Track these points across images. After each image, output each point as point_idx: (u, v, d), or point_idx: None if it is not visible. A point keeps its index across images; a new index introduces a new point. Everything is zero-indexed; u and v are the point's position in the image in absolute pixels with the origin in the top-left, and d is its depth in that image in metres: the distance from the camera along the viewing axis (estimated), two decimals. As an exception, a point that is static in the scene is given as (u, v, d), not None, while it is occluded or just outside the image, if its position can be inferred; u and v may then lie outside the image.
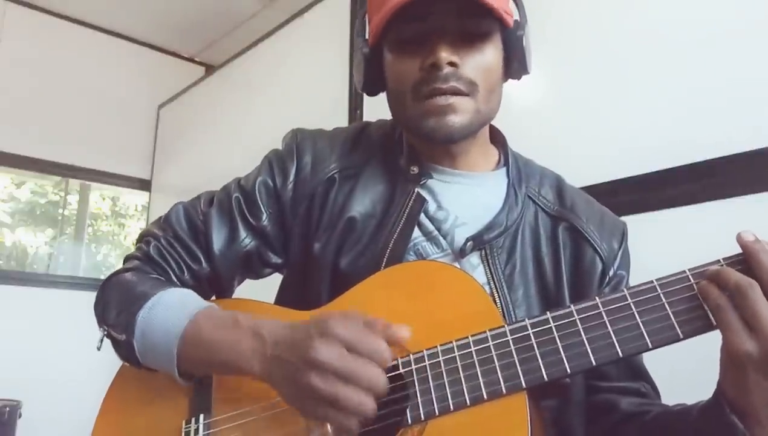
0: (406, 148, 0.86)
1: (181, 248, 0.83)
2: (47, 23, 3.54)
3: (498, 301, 0.75)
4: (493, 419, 0.61)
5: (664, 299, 0.59)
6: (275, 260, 0.86)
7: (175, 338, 0.70)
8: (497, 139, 0.90)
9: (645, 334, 0.59)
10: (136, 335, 0.72)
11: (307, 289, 0.82)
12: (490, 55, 0.76)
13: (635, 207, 1.40)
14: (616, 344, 0.59)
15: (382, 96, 0.86)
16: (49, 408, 2.83)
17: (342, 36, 2.36)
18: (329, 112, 2.40)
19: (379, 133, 0.90)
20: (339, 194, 0.84)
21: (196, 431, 0.73)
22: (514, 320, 0.73)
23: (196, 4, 3.50)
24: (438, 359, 0.65)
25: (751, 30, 1.32)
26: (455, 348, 0.65)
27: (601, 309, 0.61)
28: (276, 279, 0.92)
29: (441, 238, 0.80)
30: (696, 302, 0.58)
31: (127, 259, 0.86)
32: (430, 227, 0.80)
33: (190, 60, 4.16)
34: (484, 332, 0.64)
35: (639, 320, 0.59)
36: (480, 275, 0.77)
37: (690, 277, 0.60)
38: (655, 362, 0.79)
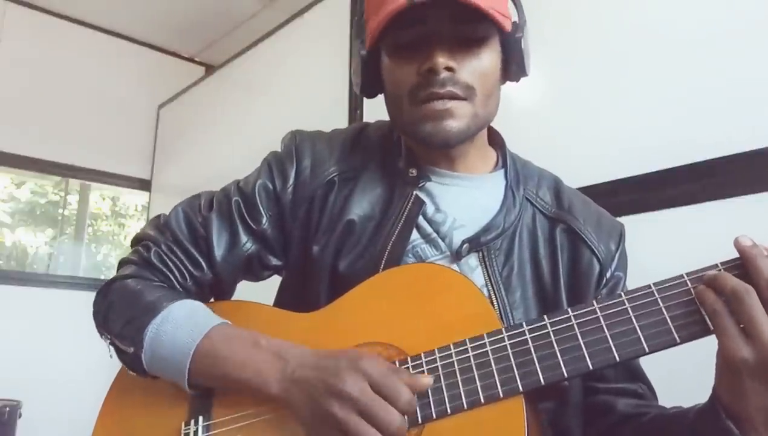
0: (404, 151, 0.85)
1: (182, 254, 0.82)
2: (47, 23, 3.54)
3: (496, 303, 0.75)
4: (490, 423, 0.61)
5: (661, 304, 0.59)
6: (275, 262, 0.86)
7: (187, 355, 0.70)
8: (495, 141, 0.90)
9: (642, 338, 0.59)
10: (145, 348, 0.72)
11: (305, 291, 0.82)
12: (487, 59, 0.76)
13: (635, 207, 1.40)
14: (613, 349, 0.59)
15: (382, 97, 0.86)
16: (49, 408, 2.83)
17: (342, 36, 2.36)
18: (329, 113, 2.40)
19: (378, 135, 0.90)
20: (338, 197, 0.83)
21: (196, 433, 0.72)
22: (511, 321, 0.73)
23: (196, 4, 3.50)
24: (436, 363, 0.65)
25: (751, 30, 1.31)
26: (453, 352, 0.65)
27: (599, 314, 0.61)
28: (275, 280, 0.92)
29: (439, 240, 0.80)
30: (693, 306, 0.59)
31: (124, 263, 0.84)
32: (429, 229, 0.80)
33: (190, 60, 4.16)
34: (482, 336, 0.64)
35: (636, 324, 0.59)
36: (478, 276, 0.77)
37: (687, 281, 0.60)
38: (652, 364, 0.79)
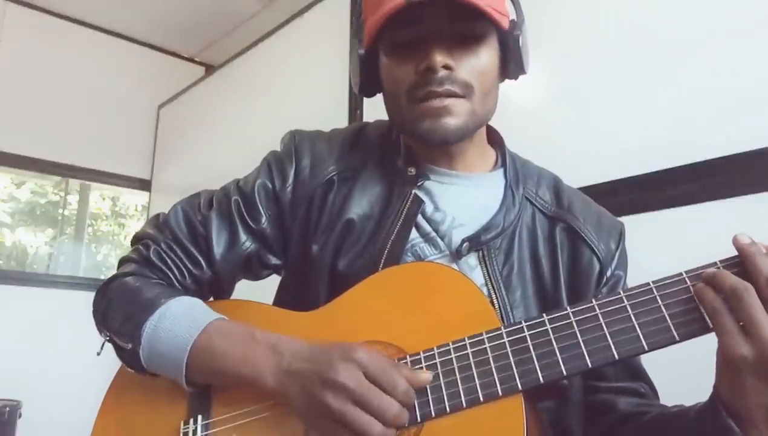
0: (403, 150, 0.86)
1: (182, 252, 0.82)
2: (47, 23, 3.54)
3: (496, 302, 0.75)
4: (489, 421, 0.61)
5: (660, 302, 0.59)
6: (275, 261, 0.86)
7: (184, 351, 0.70)
8: (495, 140, 0.90)
9: (641, 336, 0.59)
10: (143, 344, 0.72)
11: (305, 290, 0.82)
12: (485, 57, 0.76)
13: (635, 207, 1.40)
14: (612, 347, 0.59)
15: (382, 97, 0.86)
16: (49, 408, 2.83)
17: (342, 36, 2.36)
18: (329, 113, 2.40)
19: (377, 134, 0.90)
20: (337, 196, 0.84)
21: (195, 431, 0.73)
22: (511, 321, 0.73)
23: (196, 4, 3.50)
24: (434, 361, 0.65)
25: (751, 30, 1.31)
26: (452, 350, 0.65)
27: (598, 311, 0.61)
28: (274, 280, 0.92)
29: (438, 239, 0.80)
30: (692, 304, 0.58)
31: (123, 261, 0.85)
32: (428, 228, 0.80)
33: (190, 60, 4.16)
34: (481, 333, 0.64)
35: (635, 322, 0.59)
36: (478, 276, 0.77)
37: (686, 279, 0.60)
38: (653, 363, 0.79)
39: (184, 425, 0.74)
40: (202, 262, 0.82)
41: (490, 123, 0.88)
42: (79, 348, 1.99)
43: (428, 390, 0.63)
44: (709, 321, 0.57)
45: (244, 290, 0.91)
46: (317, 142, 0.88)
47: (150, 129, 3.88)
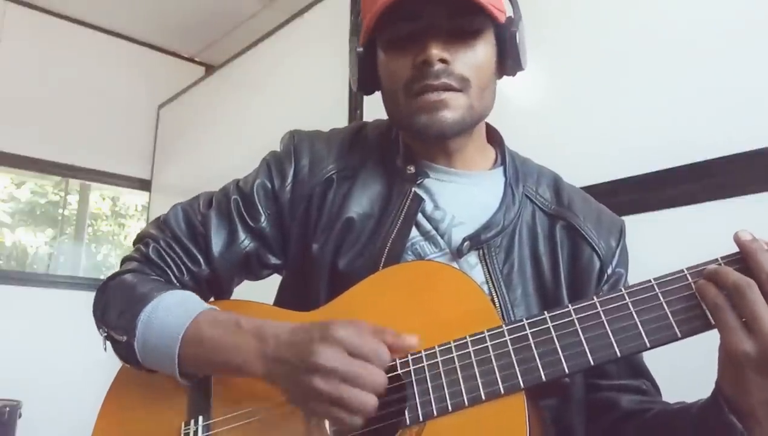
0: (402, 148, 0.86)
1: (180, 250, 0.83)
2: (47, 23, 3.54)
3: (497, 300, 0.75)
4: (491, 420, 0.61)
5: (662, 299, 0.59)
6: (274, 261, 0.87)
7: (176, 340, 0.70)
8: (494, 138, 0.90)
9: (643, 333, 0.59)
10: (137, 336, 0.73)
11: (305, 289, 0.82)
12: (482, 52, 0.76)
13: (635, 207, 1.40)
14: (614, 344, 0.59)
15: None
16: (49, 408, 2.83)
17: (342, 36, 2.35)
18: (329, 112, 2.40)
19: (376, 133, 0.90)
20: (337, 195, 0.84)
21: (196, 432, 0.73)
22: (513, 319, 0.73)
23: (196, 4, 3.50)
24: (436, 360, 0.65)
25: (751, 30, 1.31)
26: (453, 348, 0.65)
27: (599, 309, 0.61)
28: (275, 280, 0.92)
29: (439, 237, 0.80)
30: (694, 301, 0.58)
31: (125, 260, 0.86)
32: (428, 226, 0.80)
33: (190, 60, 4.16)
34: (482, 332, 0.64)
35: (637, 319, 0.59)
36: (478, 274, 0.77)
37: (688, 276, 0.60)
38: (655, 360, 0.79)
39: (185, 426, 0.74)
40: (201, 259, 0.83)
41: (492, 122, 0.88)
42: (79, 348, 2.00)
43: (430, 389, 0.63)
44: (710, 318, 0.57)
45: (245, 290, 0.91)
46: (316, 141, 0.89)
47: (150, 129, 3.88)
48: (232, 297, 0.89)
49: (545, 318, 0.63)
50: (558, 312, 0.63)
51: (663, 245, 1.29)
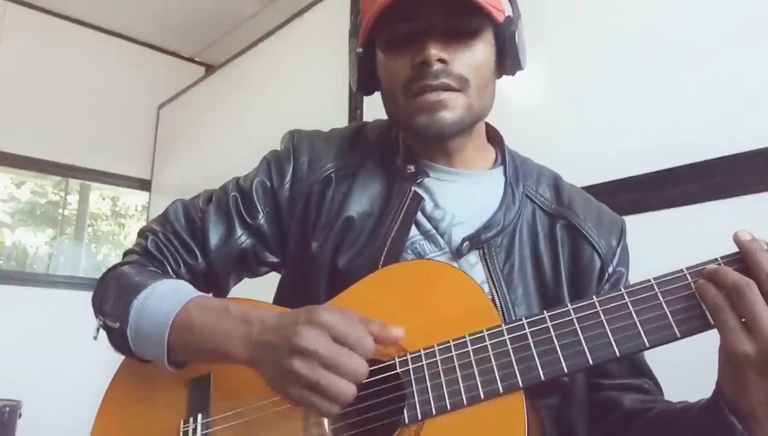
0: (402, 147, 0.86)
1: (179, 243, 0.84)
2: (47, 23, 3.54)
3: (497, 300, 0.75)
4: (490, 419, 0.61)
5: (661, 298, 0.59)
6: (271, 258, 0.87)
7: (166, 326, 0.71)
8: (494, 138, 0.90)
9: (642, 333, 0.59)
10: (130, 323, 0.73)
11: (305, 288, 0.82)
12: (480, 52, 0.76)
13: (635, 207, 1.40)
14: (614, 343, 0.59)
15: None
16: (49, 408, 2.83)
17: (342, 36, 2.34)
18: (329, 112, 2.40)
19: (376, 133, 0.90)
20: (336, 193, 0.84)
21: (194, 430, 0.73)
22: (513, 318, 0.73)
23: (196, 4, 3.50)
24: (435, 359, 0.65)
25: (751, 30, 1.31)
26: (452, 347, 0.65)
27: (598, 308, 0.61)
28: (274, 278, 0.92)
29: (438, 236, 0.80)
30: (693, 301, 0.58)
31: (126, 253, 0.87)
32: (428, 225, 0.81)
33: (190, 60, 4.16)
34: (482, 331, 0.64)
35: (636, 319, 0.59)
36: (478, 273, 0.77)
37: (687, 275, 0.59)
38: (655, 359, 0.79)
39: (184, 423, 0.74)
40: (198, 253, 0.84)
41: (492, 121, 0.88)
42: (79, 348, 1.99)
43: (429, 388, 0.63)
44: (710, 318, 0.57)
45: (245, 288, 0.91)
46: (316, 140, 0.89)
47: (150, 129, 3.88)
48: (232, 295, 0.89)
49: (544, 318, 0.63)
50: (557, 312, 0.63)
51: (663, 245, 1.29)
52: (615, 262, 0.82)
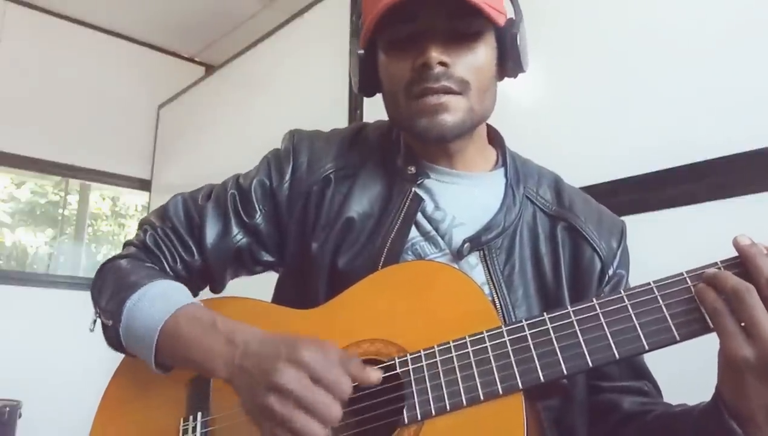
0: (403, 148, 0.86)
1: (176, 239, 0.85)
2: (47, 23, 3.54)
3: (497, 301, 0.75)
4: (489, 420, 0.61)
5: (661, 301, 0.59)
6: (267, 258, 0.87)
7: (155, 331, 0.72)
8: (495, 139, 0.90)
9: (642, 336, 0.59)
10: (122, 323, 0.74)
11: (305, 288, 0.82)
12: (482, 54, 0.76)
13: (635, 207, 1.40)
14: (613, 346, 0.59)
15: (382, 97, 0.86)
16: (49, 408, 2.83)
17: (342, 36, 2.36)
18: (329, 113, 2.40)
19: (377, 134, 0.90)
20: (336, 194, 0.84)
21: (194, 429, 0.73)
22: (514, 320, 0.73)
23: (196, 4, 3.50)
24: (435, 359, 0.65)
25: (751, 30, 1.31)
26: (452, 348, 0.65)
27: (598, 311, 0.61)
28: (273, 276, 0.92)
29: (439, 238, 0.80)
30: (693, 304, 0.58)
31: (126, 245, 0.88)
32: (428, 227, 0.80)
33: (190, 60, 4.16)
34: (482, 332, 0.64)
35: (636, 321, 0.59)
36: (479, 275, 0.77)
37: (687, 279, 0.59)
38: (655, 362, 0.79)
39: (184, 422, 0.74)
40: (194, 249, 0.85)
41: (492, 122, 0.88)
42: (79, 348, 1.99)
43: (429, 389, 0.63)
44: (709, 321, 0.57)
45: (244, 287, 0.91)
46: (316, 140, 0.89)
47: (150, 129, 3.88)
48: (232, 292, 0.89)
49: (544, 320, 0.63)
50: (557, 314, 0.63)
51: (663, 245, 1.29)
52: (615, 264, 0.81)
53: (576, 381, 0.76)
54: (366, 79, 0.84)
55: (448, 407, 0.62)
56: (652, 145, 1.43)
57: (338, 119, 2.30)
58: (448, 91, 0.74)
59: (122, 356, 0.82)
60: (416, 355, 0.66)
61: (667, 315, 0.58)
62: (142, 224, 0.89)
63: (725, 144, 1.30)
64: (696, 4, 1.42)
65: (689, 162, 1.35)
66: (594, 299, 0.62)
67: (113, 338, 0.77)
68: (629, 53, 1.52)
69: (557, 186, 0.87)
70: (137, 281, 0.76)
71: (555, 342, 0.61)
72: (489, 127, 0.89)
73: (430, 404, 0.63)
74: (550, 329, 0.62)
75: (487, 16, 0.73)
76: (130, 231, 4.20)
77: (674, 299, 0.59)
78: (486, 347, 0.63)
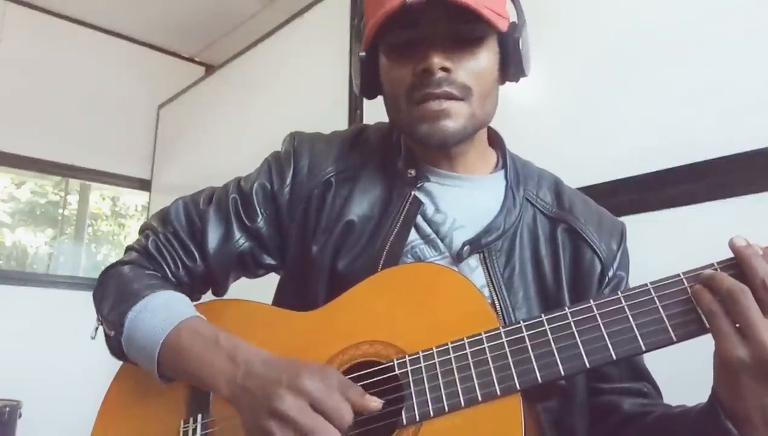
0: (403, 151, 0.86)
1: (178, 245, 0.84)
2: (47, 23, 3.54)
3: (498, 303, 0.75)
4: (487, 421, 0.61)
5: (658, 302, 0.59)
6: (269, 261, 0.87)
7: (157, 344, 0.72)
8: (495, 141, 0.90)
9: (639, 336, 0.59)
10: (124, 334, 0.74)
11: (305, 290, 0.82)
12: (484, 60, 0.76)
13: (635, 207, 1.40)
14: (610, 347, 0.59)
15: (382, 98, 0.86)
16: (49, 408, 2.83)
17: (342, 36, 2.36)
18: (329, 113, 2.40)
19: (377, 136, 0.90)
20: (337, 197, 0.84)
21: (194, 430, 0.73)
22: (514, 322, 0.73)
23: (196, 4, 3.50)
24: (433, 360, 0.65)
25: (751, 30, 1.31)
26: (450, 350, 0.65)
27: (596, 312, 0.61)
28: (274, 278, 0.92)
29: (439, 241, 0.80)
30: (690, 305, 0.58)
31: (127, 249, 0.88)
32: (428, 229, 0.80)
33: (190, 60, 4.16)
34: (480, 333, 0.64)
35: (633, 322, 0.59)
36: (478, 277, 0.77)
37: (684, 280, 0.60)
38: (653, 362, 0.79)
39: (184, 424, 0.74)
40: (196, 255, 0.84)
41: (492, 123, 0.88)
42: (79, 348, 1.99)
43: (427, 390, 0.63)
44: (706, 322, 0.57)
45: (245, 289, 0.91)
46: (316, 143, 0.89)
47: (150, 129, 3.88)
48: (233, 294, 0.89)
49: (542, 321, 0.63)
50: (555, 315, 0.63)
51: (663, 245, 1.29)
52: (615, 266, 0.82)
53: (575, 383, 0.76)
54: (367, 82, 0.83)
55: (446, 408, 0.62)
56: (652, 145, 1.43)
57: (338, 120, 2.31)
58: (449, 97, 0.74)
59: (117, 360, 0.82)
60: (415, 356, 0.66)
61: (664, 316, 0.59)
62: (144, 229, 0.88)
63: (725, 144, 1.30)
64: (696, 4, 1.42)
65: (689, 162, 1.35)
66: (591, 300, 0.62)
67: (115, 348, 0.77)
68: (629, 53, 1.52)
69: (557, 188, 0.87)
70: (138, 291, 0.76)
71: (552, 343, 0.61)
72: (489, 129, 0.89)
73: (428, 405, 0.63)
74: (548, 330, 0.62)
75: (488, 22, 0.72)
76: (131, 231, 4.20)
77: (671, 300, 0.59)
78: (484, 348, 0.63)
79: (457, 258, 0.78)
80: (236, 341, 0.70)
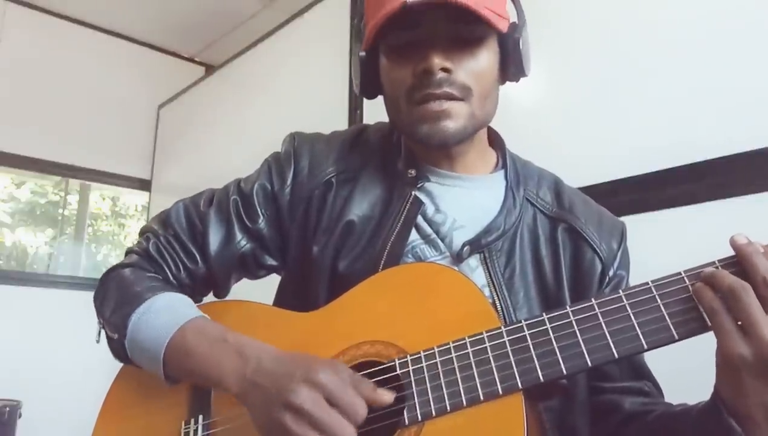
0: (404, 151, 0.86)
1: (179, 247, 0.84)
2: (47, 23, 3.54)
3: (498, 303, 0.75)
4: (489, 420, 0.61)
5: (659, 300, 0.59)
6: (271, 262, 0.87)
7: (162, 346, 0.72)
8: (496, 141, 0.90)
9: (640, 335, 0.59)
10: (127, 337, 0.74)
11: (306, 291, 0.82)
12: (484, 60, 0.76)
13: (635, 207, 1.40)
14: (612, 345, 0.59)
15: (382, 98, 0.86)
16: (49, 408, 2.83)
17: (342, 36, 2.36)
18: (329, 113, 2.40)
19: (378, 136, 0.90)
20: (337, 197, 0.84)
21: (196, 431, 0.73)
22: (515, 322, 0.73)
23: (196, 4, 3.50)
24: (435, 360, 0.65)
25: (751, 30, 1.31)
26: (452, 349, 0.65)
27: (597, 310, 0.61)
28: (275, 279, 0.92)
29: (439, 241, 0.80)
30: (691, 303, 0.59)
31: (128, 252, 0.88)
32: (428, 230, 0.80)
33: (190, 60, 4.16)
34: (481, 333, 0.64)
35: (634, 321, 0.59)
36: (479, 277, 0.77)
37: (685, 278, 0.60)
38: (654, 361, 0.79)
39: (186, 424, 0.74)
40: (198, 258, 0.84)
41: (492, 122, 0.88)
42: (79, 348, 1.99)
43: (429, 389, 0.64)
44: (708, 320, 0.57)
45: (245, 290, 0.91)
46: (316, 143, 0.89)
47: (150, 129, 3.88)
48: (233, 295, 0.89)
49: (543, 320, 0.63)
50: (556, 314, 0.63)
51: (663, 245, 1.29)
52: (616, 265, 0.82)
53: (577, 382, 0.76)
54: (367, 82, 0.83)
55: (448, 408, 0.62)
56: (652, 145, 1.43)
57: (338, 119, 2.31)
58: (450, 98, 0.74)
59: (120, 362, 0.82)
60: (416, 356, 0.66)
61: (666, 314, 0.59)
62: (144, 232, 0.88)
63: (725, 144, 1.30)
64: (696, 4, 1.42)
65: (689, 162, 1.35)
66: (593, 299, 0.62)
67: (119, 350, 0.77)
68: (629, 53, 1.52)
69: (557, 188, 0.87)
70: (141, 293, 0.76)
71: (554, 342, 0.61)
72: (489, 129, 0.89)
73: (430, 405, 0.63)
74: (549, 329, 0.62)
75: (488, 23, 0.72)
76: (131, 231, 4.20)
77: (672, 299, 0.59)
78: (486, 347, 0.64)
79: (458, 258, 0.78)
80: (243, 338, 0.70)
